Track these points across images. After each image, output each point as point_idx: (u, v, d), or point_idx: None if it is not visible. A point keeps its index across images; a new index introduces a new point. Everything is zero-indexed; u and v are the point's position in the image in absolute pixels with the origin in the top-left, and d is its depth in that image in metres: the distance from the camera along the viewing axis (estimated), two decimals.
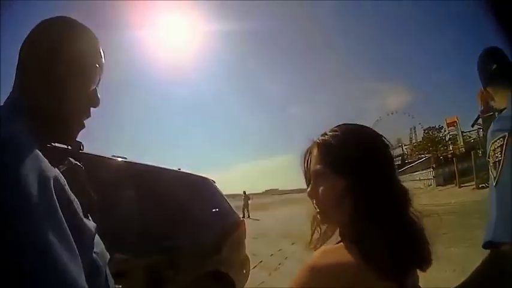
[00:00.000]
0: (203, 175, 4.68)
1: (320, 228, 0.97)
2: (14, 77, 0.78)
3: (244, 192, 25.99)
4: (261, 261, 8.41)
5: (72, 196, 0.70)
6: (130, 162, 3.55)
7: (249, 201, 25.15)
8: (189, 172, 4.45)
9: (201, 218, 3.97)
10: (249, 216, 22.19)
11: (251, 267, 6.46)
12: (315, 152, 0.92)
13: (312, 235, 0.97)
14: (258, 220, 20.24)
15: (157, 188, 3.61)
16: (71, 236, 0.60)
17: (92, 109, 0.85)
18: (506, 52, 1.26)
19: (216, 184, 4.77)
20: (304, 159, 0.97)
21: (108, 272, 0.82)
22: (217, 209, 4.38)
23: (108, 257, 0.85)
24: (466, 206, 13.22)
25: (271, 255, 9.41)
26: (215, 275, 3.79)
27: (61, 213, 0.60)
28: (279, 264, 8.47)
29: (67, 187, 0.69)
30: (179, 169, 4.27)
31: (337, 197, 0.84)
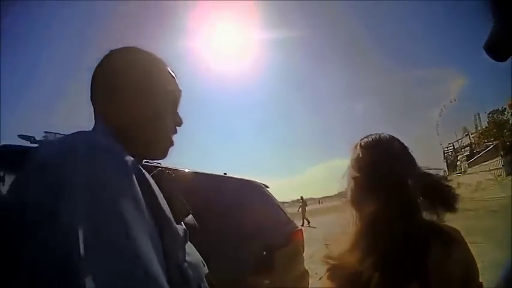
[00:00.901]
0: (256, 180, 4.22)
1: None
2: (94, 106, 0.82)
3: (302, 198, 24.18)
4: (320, 278, 7.65)
5: (164, 201, 0.71)
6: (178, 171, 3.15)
7: (306, 208, 23.17)
8: (239, 177, 4.02)
9: (252, 228, 3.52)
10: (308, 224, 20.26)
11: (318, 278, 6.06)
12: (353, 158, 1.06)
13: None
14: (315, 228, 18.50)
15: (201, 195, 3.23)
16: (159, 240, 0.61)
17: None
18: None
19: (270, 190, 4.27)
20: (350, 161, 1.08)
21: (204, 287, 0.79)
22: (269, 217, 3.88)
23: (206, 270, 0.84)
24: None
25: None
26: None
27: (152, 217, 0.62)
28: None
29: (159, 193, 0.70)
30: (225, 174, 3.91)
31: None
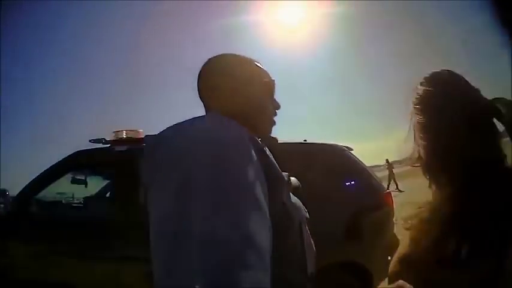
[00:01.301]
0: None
1: None
2: (204, 103, 0.96)
3: (387, 161, 22.04)
4: None
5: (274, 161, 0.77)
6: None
7: (393, 170, 21.40)
8: (321, 142, 3.84)
9: (340, 192, 3.41)
10: (397, 187, 18.53)
11: None
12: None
13: None
14: (403, 192, 16.48)
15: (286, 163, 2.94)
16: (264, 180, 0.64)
17: None
18: None
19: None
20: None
21: (306, 230, 0.88)
22: (353, 182, 3.60)
23: (307, 215, 0.97)
24: None
25: None
26: (348, 267, 3.22)
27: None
28: None
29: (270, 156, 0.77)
30: (305, 141, 3.72)
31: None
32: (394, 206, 3.77)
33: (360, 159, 3.94)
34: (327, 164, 3.53)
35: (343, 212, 3.31)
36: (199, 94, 0.97)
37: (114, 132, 3.35)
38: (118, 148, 3.23)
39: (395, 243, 3.03)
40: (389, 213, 3.65)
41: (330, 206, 3.14)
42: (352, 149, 4.02)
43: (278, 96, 0.98)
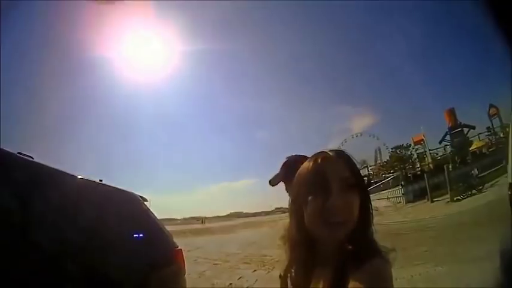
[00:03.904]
0: (139, 193, 3.76)
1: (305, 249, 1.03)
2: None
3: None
4: None
5: None
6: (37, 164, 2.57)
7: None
8: (113, 186, 3.41)
9: (128, 245, 3.08)
10: None
11: None
12: (340, 162, 1.00)
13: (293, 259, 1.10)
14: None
15: (68, 199, 2.59)
16: None
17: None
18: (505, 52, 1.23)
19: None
20: (327, 165, 0.99)
21: None
22: (142, 234, 3.34)
23: None
24: (443, 219, 12.90)
25: (230, 284, 8.20)
26: None
27: None
28: None
29: None
30: (100, 181, 3.27)
31: (358, 206, 0.95)
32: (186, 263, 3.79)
33: (152, 212, 3.78)
34: (120, 210, 3.24)
35: (134, 266, 2.94)
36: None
37: None
38: None
39: None
40: (180, 270, 3.62)
41: (120, 259, 2.78)
42: (147, 200, 3.89)
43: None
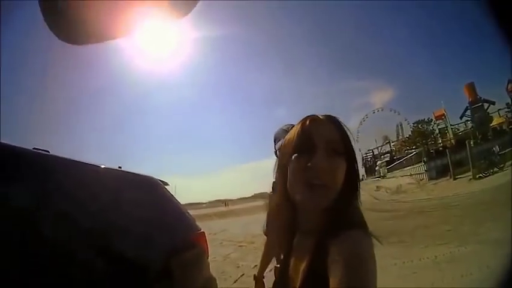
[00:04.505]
0: (161, 178, 3.76)
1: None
2: None
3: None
4: (242, 275, 7.28)
5: None
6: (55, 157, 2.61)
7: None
8: (132, 172, 3.42)
9: (148, 230, 2.99)
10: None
11: (233, 281, 5.61)
12: (329, 125, 0.94)
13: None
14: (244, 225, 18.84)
15: (87, 189, 2.62)
16: None
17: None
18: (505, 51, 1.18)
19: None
20: (314, 126, 0.94)
21: None
22: (162, 219, 3.31)
23: None
24: (466, 198, 12.61)
25: (255, 266, 8.17)
26: None
27: None
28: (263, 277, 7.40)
29: None
30: (120, 167, 3.34)
31: (343, 172, 0.90)
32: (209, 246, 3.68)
33: (173, 195, 3.74)
34: (139, 196, 3.22)
35: (155, 251, 2.93)
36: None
37: None
38: None
39: (211, 283, 3.42)
40: (202, 254, 3.51)
41: (138, 240, 2.79)
42: (167, 184, 3.85)
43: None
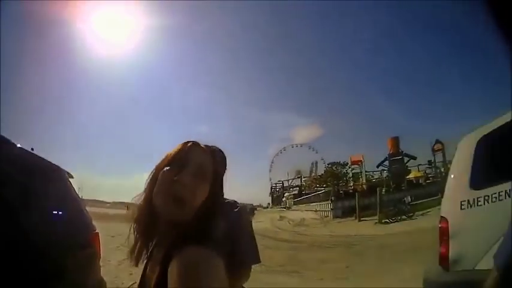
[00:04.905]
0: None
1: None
2: None
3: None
4: (134, 283, 6.19)
5: None
6: None
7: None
8: (40, 156, 3.20)
9: (44, 224, 2.71)
10: None
11: None
12: (207, 153, 1.02)
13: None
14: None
15: None
16: None
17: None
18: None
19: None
20: (192, 150, 1.01)
21: None
22: (60, 212, 3.07)
23: None
24: (368, 239, 13.00)
25: None
26: None
27: None
28: None
29: None
30: (32, 150, 3.17)
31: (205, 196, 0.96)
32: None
33: (77, 190, 3.63)
34: (38, 182, 2.93)
35: (50, 246, 2.59)
36: None
37: None
38: None
39: (101, 285, 3.08)
40: (95, 256, 3.36)
41: (28, 232, 2.49)
42: (72, 177, 3.71)
43: None
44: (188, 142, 1.02)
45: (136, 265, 1.02)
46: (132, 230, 1.02)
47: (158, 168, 0.99)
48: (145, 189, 0.99)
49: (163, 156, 1.02)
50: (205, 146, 1.03)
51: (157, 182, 0.94)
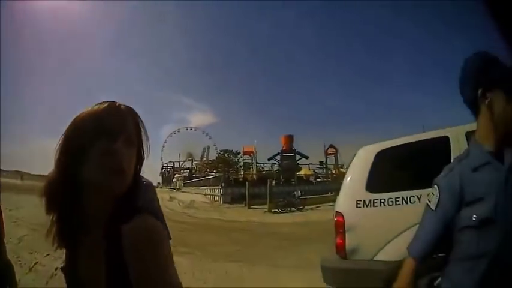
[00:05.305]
0: None
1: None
2: None
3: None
4: (36, 263, 6.21)
5: None
6: None
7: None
8: None
9: None
10: None
11: (28, 269, 5.39)
12: (131, 116, 0.95)
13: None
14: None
15: None
16: None
17: None
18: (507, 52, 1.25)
19: None
20: (116, 114, 0.93)
21: None
22: None
23: None
24: (258, 226, 13.51)
25: (48, 255, 6.34)
26: None
27: None
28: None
29: None
30: None
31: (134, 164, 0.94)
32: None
33: None
34: None
35: None
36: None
37: None
38: None
39: (9, 271, 2.51)
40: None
41: None
42: None
43: None
44: (105, 103, 0.94)
45: (61, 247, 0.93)
46: (45, 207, 0.89)
47: (80, 136, 0.88)
48: (61, 160, 0.89)
49: (75, 121, 0.92)
50: (124, 105, 0.96)
51: (91, 155, 0.85)
